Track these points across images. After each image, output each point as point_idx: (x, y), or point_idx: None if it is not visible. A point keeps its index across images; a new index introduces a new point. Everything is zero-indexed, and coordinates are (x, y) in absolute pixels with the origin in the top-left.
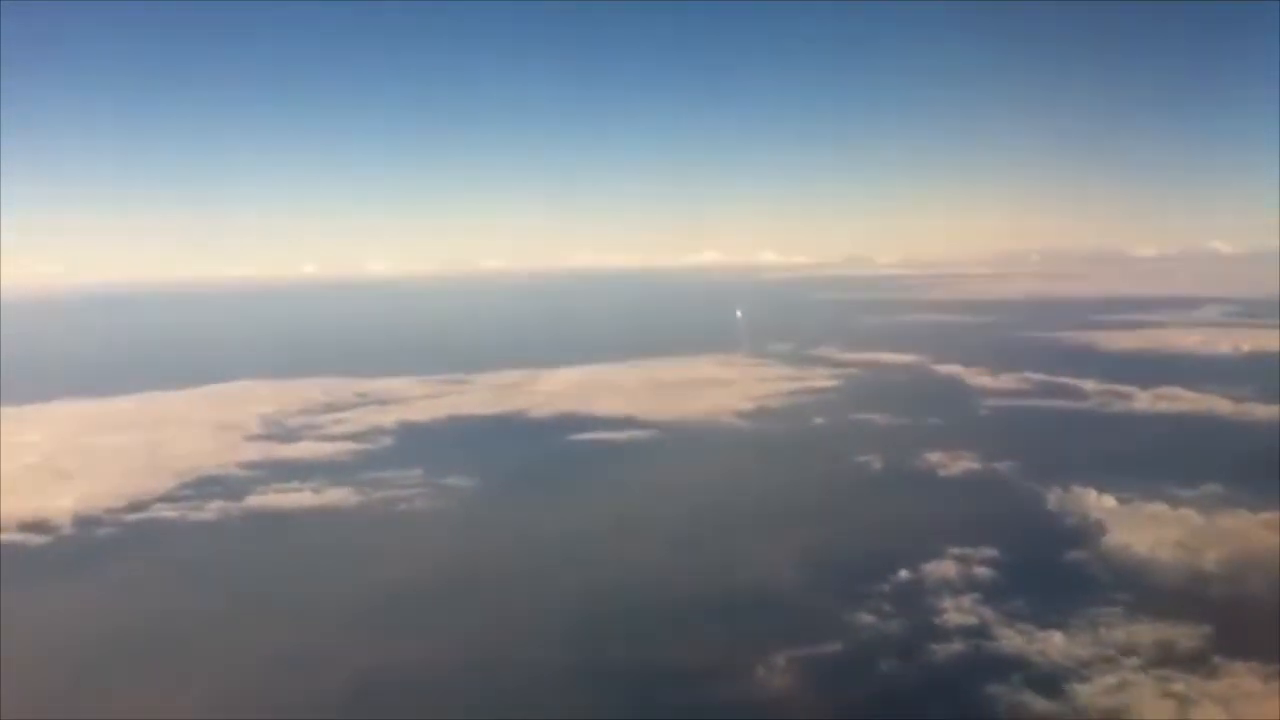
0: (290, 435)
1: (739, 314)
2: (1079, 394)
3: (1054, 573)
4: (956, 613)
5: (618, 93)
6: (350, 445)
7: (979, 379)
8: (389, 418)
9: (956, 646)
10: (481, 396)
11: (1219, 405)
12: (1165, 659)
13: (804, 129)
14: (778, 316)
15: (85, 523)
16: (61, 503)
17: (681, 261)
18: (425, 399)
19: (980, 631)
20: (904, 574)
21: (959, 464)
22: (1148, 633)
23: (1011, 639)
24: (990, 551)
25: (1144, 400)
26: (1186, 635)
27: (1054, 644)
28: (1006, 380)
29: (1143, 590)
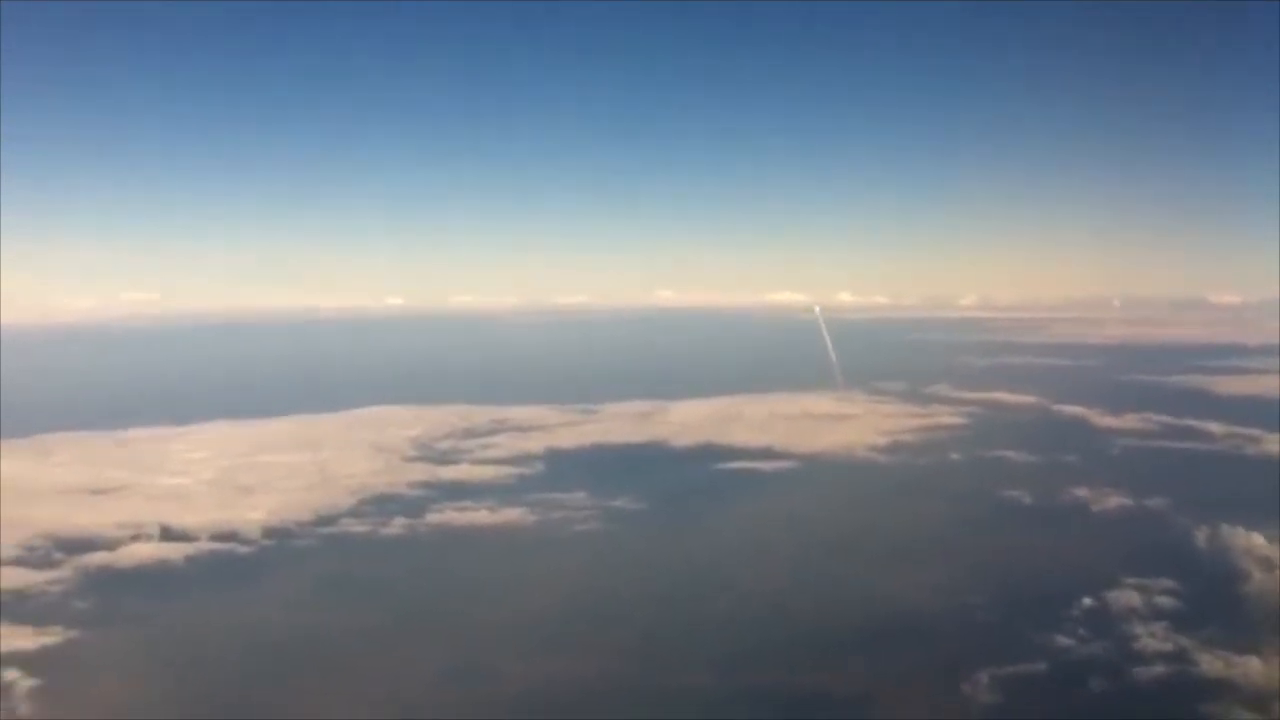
0: (444, 458)
1: (832, 353)
2: (1207, 436)
3: (1235, 604)
4: (1151, 639)
5: (695, 135)
6: (508, 469)
7: (1103, 420)
8: (535, 444)
9: (1160, 669)
10: (619, 426)
11: None
12: None
13: (879, 172)
14: (874, 356)
15: (277, 534)
16: (252, 515)
17: (760, 300)
18: (563, 427)
19: (1180, 656)
20: (1088, 601)
21: (1110, 500)
22: None
23: (1212, 664)
24: (1168, 582)
25: (1274, 444)
26: None
27: (1254, 668)
28: (1130, 421)
29: None
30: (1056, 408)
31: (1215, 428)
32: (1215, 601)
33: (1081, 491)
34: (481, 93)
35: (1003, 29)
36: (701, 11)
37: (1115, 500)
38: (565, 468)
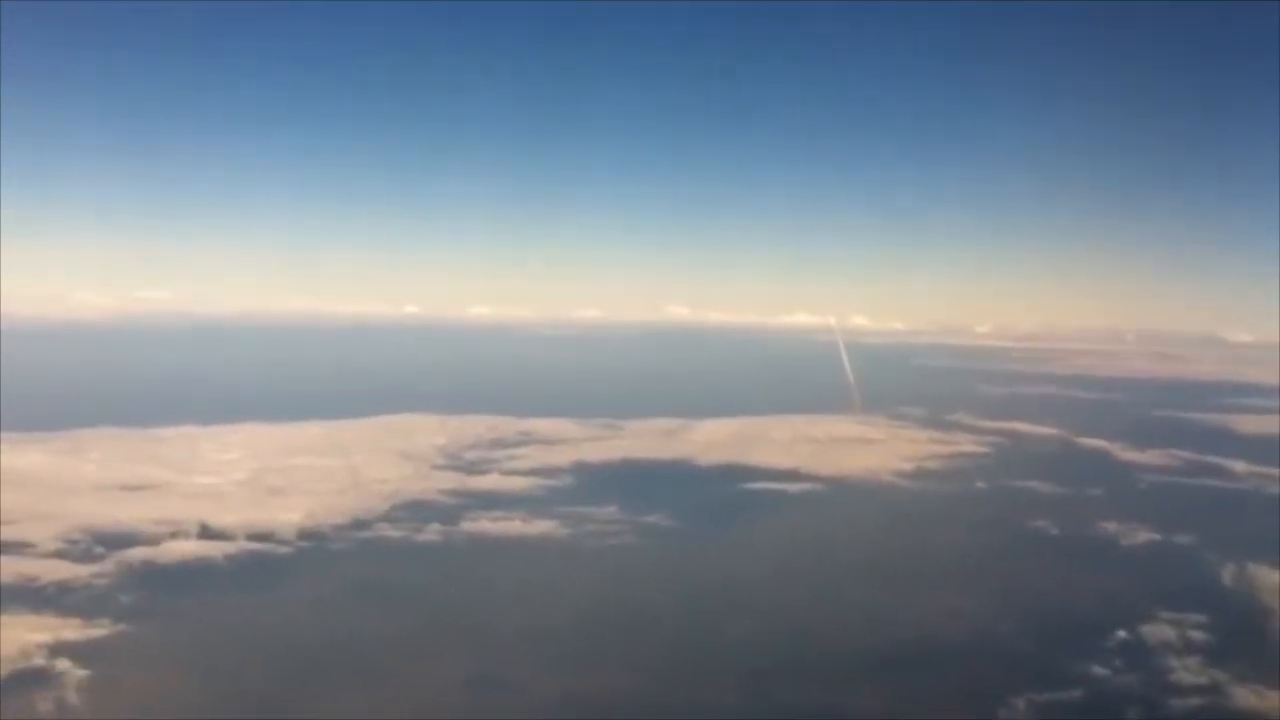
0: (473, 467)
1: (850, 376)
2: (1231, 475)
3: (1264, 640)
4: (1186, 672)
5: (712, 153)
6: (537, 480)
7: (1126, 454)
8: (562, 457)
9: (1195, 701)
10: (644, 442)
11: None
12: None
13: (896, 196)
14: (892, 380)
15: (313, 536)
16: (287, 517)
17: (775, 320)
18: (588, 441)
19: (1215, 690)
20: (1122, 633)
21: (1139, 535)
22: None
23: (1245, 697)
24: (1199, 617)
25: None
26: None
27: None
28: (1154, 456)
29: None
30: (1079, 440)
31: (1238, 466)
32: (1246, 637)
33: (1110, 525)
34: (499, 102)
35: (1027, 56)
36: (721, 23)
37: (1144, 535)
38: (594, 482)
